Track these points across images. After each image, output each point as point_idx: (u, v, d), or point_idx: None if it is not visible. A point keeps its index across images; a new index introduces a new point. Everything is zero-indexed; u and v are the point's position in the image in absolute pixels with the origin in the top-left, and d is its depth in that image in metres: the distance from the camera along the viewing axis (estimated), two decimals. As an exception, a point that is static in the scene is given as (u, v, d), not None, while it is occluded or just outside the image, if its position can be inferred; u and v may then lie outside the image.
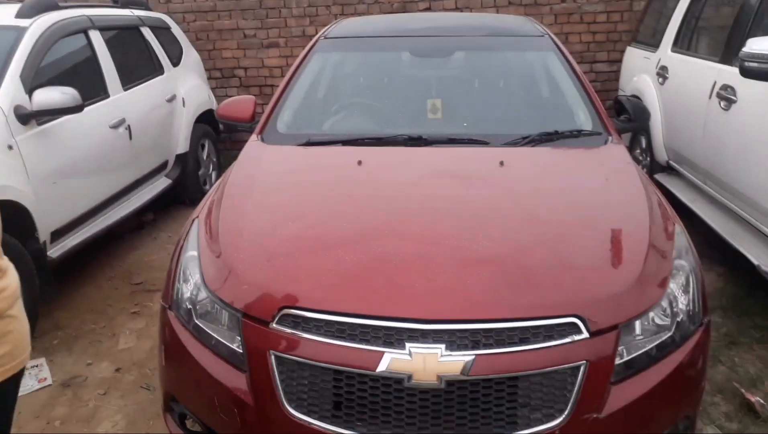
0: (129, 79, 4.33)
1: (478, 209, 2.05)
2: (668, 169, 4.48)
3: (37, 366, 2.95)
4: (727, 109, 3.39)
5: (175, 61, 5.20)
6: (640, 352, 1.70)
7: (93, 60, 3.98)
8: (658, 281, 1.79)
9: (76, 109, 3.31)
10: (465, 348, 1.58)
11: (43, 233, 3.22)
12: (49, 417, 2.65)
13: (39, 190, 3.15)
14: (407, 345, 1.58)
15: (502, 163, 2.33)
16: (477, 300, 1.65)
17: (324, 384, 1.62)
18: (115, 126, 3.97)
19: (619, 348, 1.67)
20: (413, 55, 3.15)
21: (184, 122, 4.97)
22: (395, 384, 1.58)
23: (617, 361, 1.66)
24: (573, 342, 1.61)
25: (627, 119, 2.94)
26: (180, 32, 5.57)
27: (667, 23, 4.65)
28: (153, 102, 4.60)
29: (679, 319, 1.79)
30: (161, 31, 5.16)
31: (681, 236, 2.01)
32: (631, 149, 5.19)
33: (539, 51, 3.16)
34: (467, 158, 2.47)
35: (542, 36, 3.23)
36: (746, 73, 2.82)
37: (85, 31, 3.96)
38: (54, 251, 3.35)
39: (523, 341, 1.60)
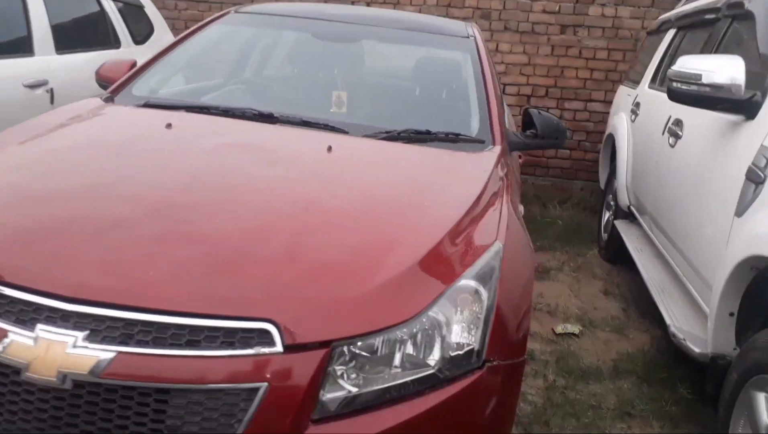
0: (67, 44, 4.15)
1: (249, 187, 1.70)
2: (631, 215, 4.00)
3: None
4: (673, 145, 2.94)
5: (140, 39, 5.03)
6: (369, 388, 1.30)
7: (21, 16, 3.81)
8: (420, 299, 1.38)
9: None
10: (111, 341, 1.21)
11: None
12: None
13: None
14: (39, 326, 1.22)
15: (330, 148, 1.98)
16: (151, 282, 1.28)
17: None
18: (32, 86, 3.76)
19: (336, 373, 1.27)
20: (316, 37, 2.84)
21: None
22: (12, 374, 1.21)
23: (329, 392, 1.25)
24: (257, 354, 1.22)
25: (533, 135, 2.54)
26: (156, 13, 5.42)
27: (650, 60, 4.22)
28: (93, 72, 4.41)
29: (447, 354, 1.38)
30: (129, 6, 5.01)
31: (493, 259, 1.58)
32: (605, 192, 4.74)
33: (455, 51, 2.81)
34: (299, 140, 2.12)
35: (467, 38, 2.88)
36: (672, 95, 2.38)
37: (21, -14, 3.80)
38: None
39: (191, 344, 1.22)
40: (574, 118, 5.90)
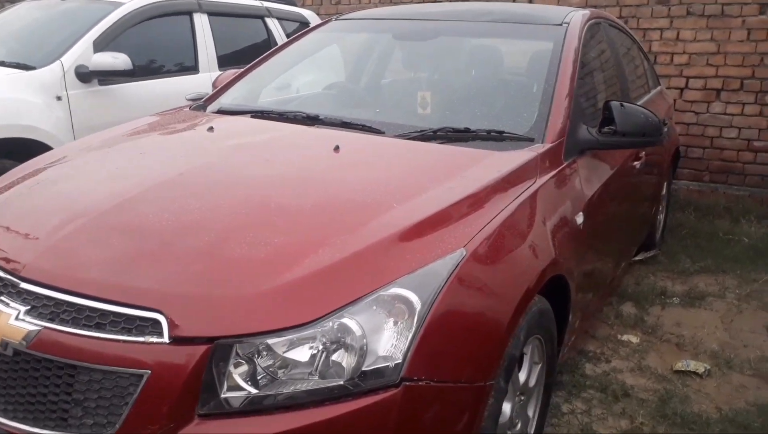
0: (233, 63, 4.70)
1: (222, 183, 1.76)
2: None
3: None
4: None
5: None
6: (274, 390, 1.27)
7: (189, 39, 4.42)
8: (328, 303, 1.30)
9: (128, 72, 3.72)
10: (43, 317, 1.36)
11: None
12: None
13: (82, 139, 3.62)
14: (1, 298, 1.42)
15: (337, 149, 1.95)
16: (79, 268, 1.41)
17: None
18: (193, 99, 4.34)
19: (236, 372, 1.26)
20: (396, 38, 2.82)
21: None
22: None
23: (231, 391, 1.26)
24: (145, 342, 1.27)
25: (612, 131, 2.20)
26: (322, 29, 5.85)
27: None
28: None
29: (360, 365, 1.28)
30: (297, 25, 5.48)
31: (443, 266, 1.39)
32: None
33: (537, 41, 2.56)
34: (317, 141, 2.12)
35: (559, 25, 2.60)
36: None
37: (189, 13, 4.42)
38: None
39: (99, 326, 1.31)
40: (779, 115, 4.92)
